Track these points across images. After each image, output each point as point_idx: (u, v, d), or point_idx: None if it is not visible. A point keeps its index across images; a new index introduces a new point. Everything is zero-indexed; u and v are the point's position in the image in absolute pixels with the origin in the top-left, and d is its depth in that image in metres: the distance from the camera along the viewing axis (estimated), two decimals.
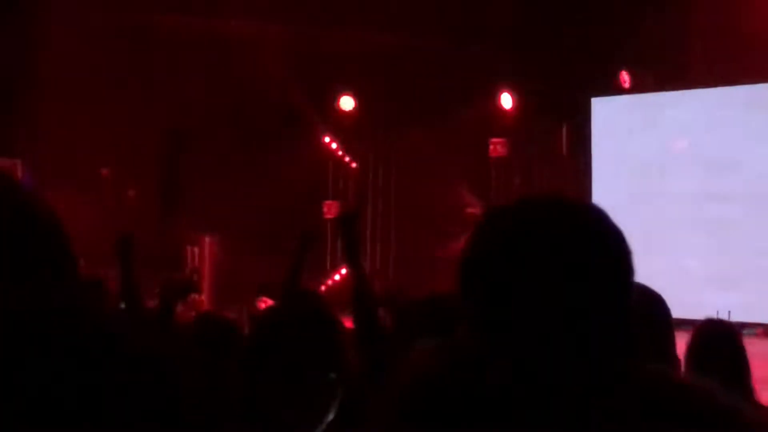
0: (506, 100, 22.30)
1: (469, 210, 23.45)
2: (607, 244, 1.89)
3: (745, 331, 18.45)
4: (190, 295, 20.86)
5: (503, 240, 1.89)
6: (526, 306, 1.82)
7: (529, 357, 1.80)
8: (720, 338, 4.52)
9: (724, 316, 17.86)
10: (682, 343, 4.17)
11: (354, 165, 25.15)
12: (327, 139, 24.78)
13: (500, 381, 1.81)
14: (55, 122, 20.69)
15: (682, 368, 4.02)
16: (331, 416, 3.14)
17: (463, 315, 1.95)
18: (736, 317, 18.59)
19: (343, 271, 24.72)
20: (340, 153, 24.99)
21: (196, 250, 22.60)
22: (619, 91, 20.91)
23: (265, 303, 8.51)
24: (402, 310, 5.65)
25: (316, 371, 3.15)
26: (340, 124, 24.44)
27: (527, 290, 1.82)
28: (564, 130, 22.23)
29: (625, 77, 20.62)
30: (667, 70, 20.10)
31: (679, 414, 1.78)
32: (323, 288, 23.62)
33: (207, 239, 22.64)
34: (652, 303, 3.40)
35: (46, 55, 20.93)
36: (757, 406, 4.30)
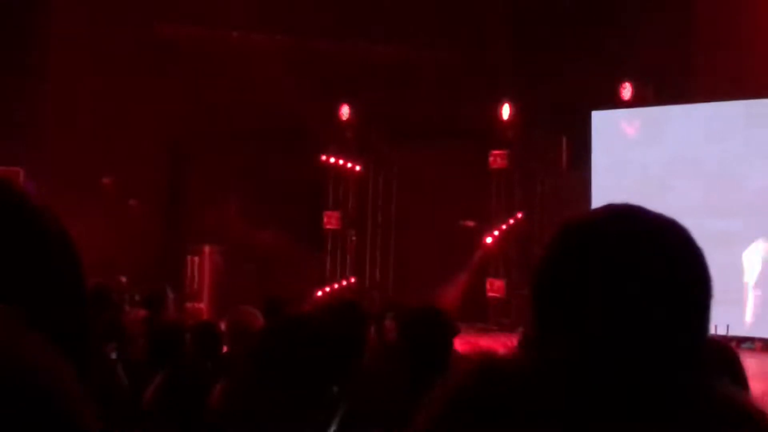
0: (506, 112, 22.31)
1: (465, 223, 23.43)
2: (690, 262, 1.86)
3: (743, 345, 18.50)
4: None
5: (584, 252, 1.85)
6: (605, 321, 1.78)
7: (604, 371, 1.77)
8: (719, 362, 4.45)
9: (721, 331, 17.82)
10: None
11: (356, 172, 25.10)
12: (327, 151, 24.74)
13: (574, 395, 1.78)
14: (58, 132, 20.71)
15: None
16: (333, 428, 3.14)
17: (536, 325, 1.90)
18: (736, 332, 18.64)
19: (344, 282, 24.73)
20: (341, 163, 24.98)
21: (196, 259, 22.60)
22: (620, 104, 20.91)
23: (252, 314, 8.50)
24: (403, 322, 5.65)
25: (319, 384, 3.15)
26: (341, 134, 24.45)
27: (606, 305, 1.78)
28: (564, 142, 22.23)
29: (626, 88, 20.62)
30: (668, 84, 20.12)
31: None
32: (320, 294, 23.65)
33: (207, 249, 22.63)
34: None
35: (50, 65, 20.97)
36: None
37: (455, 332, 5.66)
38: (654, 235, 1.87)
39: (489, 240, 23.06)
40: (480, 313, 21.82)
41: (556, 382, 1.80)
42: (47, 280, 1.47)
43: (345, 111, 23.93)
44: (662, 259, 1.84)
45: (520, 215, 22.94)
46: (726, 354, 4.52)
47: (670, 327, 1.81)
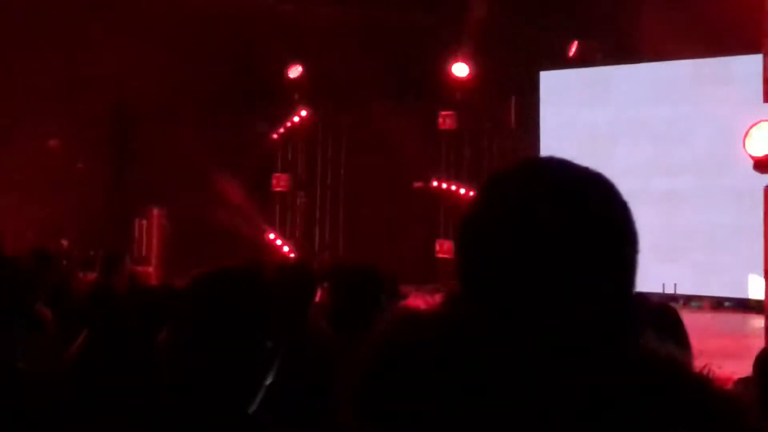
0: (457, 70, 22.26)
1: (417, 184, 23.46)
2: (613, 214, 1.83)
3: (692, 304, 18.65)
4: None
5: (506, 207, 1.82)
6: (528, 278, 1.75)
7: (530, 333, 1.75)
8: (661, 323, 4.44)
9: (669, 290, 17.96)
10: None
11: (304, 134, 25.03)
12: (276, 111, 24.64)
13: (500, 356, 1.75)
14: (3, 93, 20.46)
15: None
16: (267, 382, 3.14)
17: (459, 278, 1.87)
18: (684, 290, 18.80)
19: (285, 248, 24.68)
20: (289, 125, 24.88)
21: (144, 222, 22.46)
22: (568, 64, 20.93)
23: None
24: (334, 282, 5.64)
25: (253, 338, 3.14)
26: (290, 95, 24.36)
27: (529, 262, 1.75)
28: (513, 103, 22.24)
29: (572, 47, 20.62)
30: (616, 44, 20.15)
31: (687, 399, 1.74)
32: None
33: (155, 211, 22.49)
34: None
35: None
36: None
37: (390, 292, 5.65)
38: (576, 187, 1.84)
39: (431, 197, 23.15)
40: (430, 274, 21.83)
41: (472, 335, 1.78)
42: None
43: (295, 71, 23.80)
44: (583, 211, 1.81)
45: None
46: (667, 315, 4.52)
47: (592, 280, 1.79)
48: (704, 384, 1.80)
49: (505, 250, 1.78)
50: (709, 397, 1.78)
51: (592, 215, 1.82)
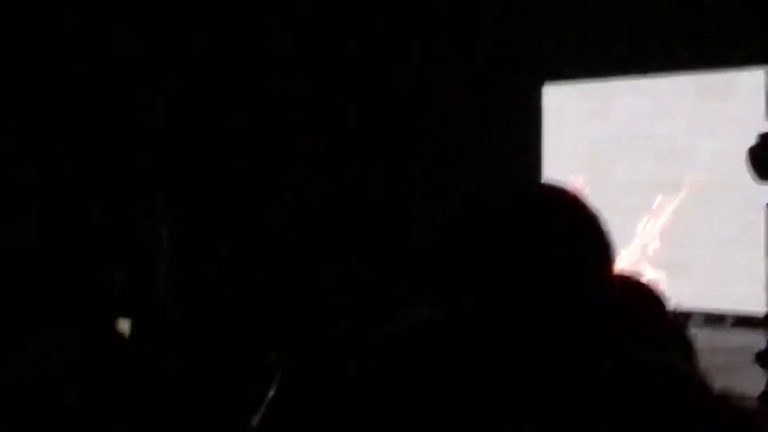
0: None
1: None
2: (590, 230, 1.86)
3: (693, 319, 18.64)
4: None
5: (481, 228, 1.85)
6: (510, 296, 1.77)
7: (517, 349, 1.76)
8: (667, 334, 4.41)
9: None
10: None
11: None
12: None
13: (485, 370, 1.78)
14: None
15: None
16: (270, 394, 3.13)
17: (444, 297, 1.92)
18: (685, 306, 18.74)
19: None
20: None
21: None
22: (571, 78, 20.88)
23: None
24: None
25: (255, 351, 3.12)
26: None
27: (511, 279, 1.77)
28: (515, 116, 22.15)
29: (577, 62, 20.61)
30: (620, 58, 20.10)
31: (682, 406, 1.76)
32: None
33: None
34: None
35: None
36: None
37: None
38: (549, 199, 1.89)
39: None
40: None
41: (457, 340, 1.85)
42: None
43: None
44: (561, 228, 1.85)
45: None
46: (672, 324, 4.50)
47: (575, 296, 1.81)
48: (711, 398, 1.83)
49: (481, 272, 1.83)
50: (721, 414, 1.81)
51: (566, 231, 1.86)
